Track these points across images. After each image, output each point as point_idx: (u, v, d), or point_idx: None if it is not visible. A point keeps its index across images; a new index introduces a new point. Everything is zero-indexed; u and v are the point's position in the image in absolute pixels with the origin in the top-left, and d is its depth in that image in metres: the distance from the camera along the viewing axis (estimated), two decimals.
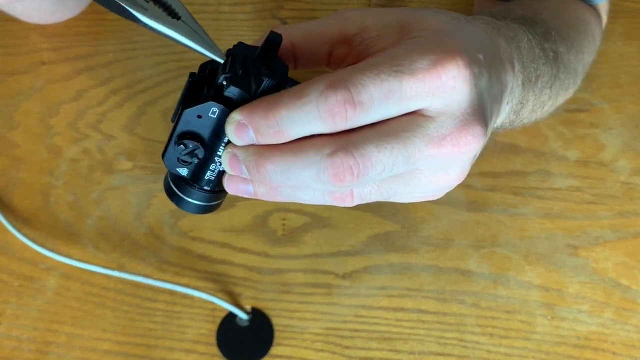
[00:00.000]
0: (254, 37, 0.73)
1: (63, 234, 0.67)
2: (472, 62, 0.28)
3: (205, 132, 0.33)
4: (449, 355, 0.64)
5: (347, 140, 0.28)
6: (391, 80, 0.27)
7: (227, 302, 0.64)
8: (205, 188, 0.36)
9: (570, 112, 0.70)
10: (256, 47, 0.33)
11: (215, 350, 0.64)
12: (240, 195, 0.34)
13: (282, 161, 0.29)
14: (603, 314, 0.65)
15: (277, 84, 0.31)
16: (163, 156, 0.36)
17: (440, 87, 0.28)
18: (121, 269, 0.65)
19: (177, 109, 0.35)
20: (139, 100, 0.71)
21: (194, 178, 0.36)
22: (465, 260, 0.66)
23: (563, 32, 0.50)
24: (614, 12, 0.73)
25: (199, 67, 0.35)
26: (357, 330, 0.65)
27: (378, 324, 0.65)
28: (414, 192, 0.31)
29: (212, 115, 0.32)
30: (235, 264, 0.66)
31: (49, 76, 0.72)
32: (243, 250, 0.67)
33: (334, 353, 0.64)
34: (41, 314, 0.65)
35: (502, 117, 0.38)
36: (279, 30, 0.33)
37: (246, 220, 0.67)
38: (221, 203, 0.39)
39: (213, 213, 0.67)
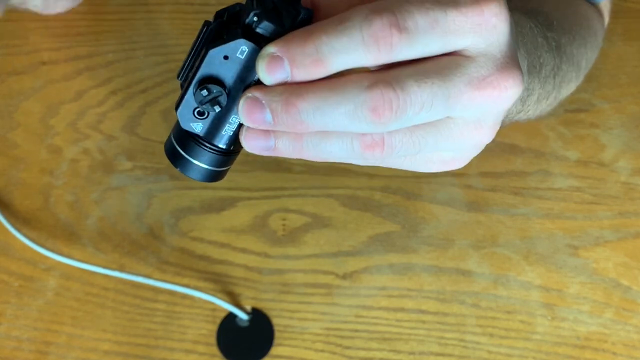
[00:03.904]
0: None
1: (63, 234, 0.67)
2: (507, 8, 0.28)
3: (229, 76, 0.29)
4: (449, 355, 0.64)
5: (387, 73, 0.27)
6: (436, 10, 0.26)
7: (227, 302, 0.64)
8: (220, 146, 0.32)
9: (570, 112, 0.70)
10: None
11: (215, 350, 0.64)
12: (258, 153, 0.31)
13: (316, 96, 0.27)
14: (603, 314, 0.65)
15: (308, 19, 0.28)
16: (177, 108, 0.32)
17: (483, 24, 0.27)
18: (121, 269, 0.65)
19: (186, 63, 0.32)
20: (139, 100, 0.71)
21: (208, 134, 0.32)
22: (466, 260, 0.66)
23: (565, 25, 0.50)
24: (614, 12, 0.73)
25: (214, 14, 0.32)
26: (357, 330, 0.65)
27: (378, 324, 0.65)
28: (444, 147, 0.30)
29: (240, 56, 0.29)
30: (235, 264, 0.66)
31: (49, 76, 0.72)
32: (243, 250, 0.67)
33: (334, 353, 0.64)
34: (41, 314, 0.65)
35: None
36: None
37: (246, 220, 0.67)
38: (228, 170, 0.35)
39: (213, 213, 0.68)
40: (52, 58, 0.73)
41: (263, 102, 0.28)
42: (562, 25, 0.50)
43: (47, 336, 0.65)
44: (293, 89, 0.27)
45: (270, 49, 0.27)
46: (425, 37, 0.26)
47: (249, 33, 0.28)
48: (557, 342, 0.64)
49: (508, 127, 0.71)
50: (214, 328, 0.65)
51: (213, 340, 0.64)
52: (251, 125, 0.29)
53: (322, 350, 0.64)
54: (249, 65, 0.29)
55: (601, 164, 0.69)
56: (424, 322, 0.65)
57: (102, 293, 0.66)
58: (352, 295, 0.65)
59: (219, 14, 0.31)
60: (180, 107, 0.32)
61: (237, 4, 0.30)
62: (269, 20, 0.28)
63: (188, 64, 0.32)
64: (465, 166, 0.70)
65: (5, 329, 0.65)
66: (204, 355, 0.64)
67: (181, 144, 0.34)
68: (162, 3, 0.75)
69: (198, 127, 0.32)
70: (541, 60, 0.41)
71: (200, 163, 0.33)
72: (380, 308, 0.65)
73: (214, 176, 0.34)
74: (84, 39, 0.73)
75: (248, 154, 0.64)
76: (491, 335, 0.64)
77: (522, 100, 0.41)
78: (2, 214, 0.66)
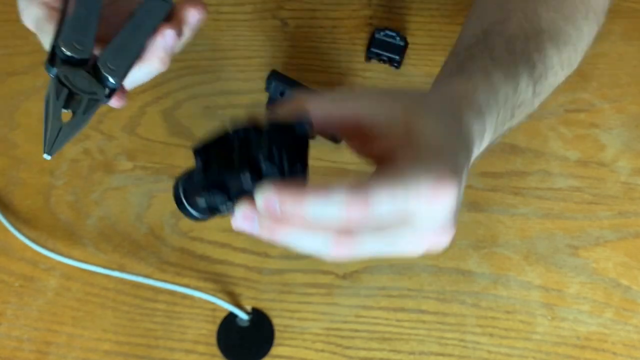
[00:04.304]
0: (254, 37, 0.73)
1: (63, 234, 0.67)
2: (460, 179, 0.35)
3: (233, 186, 0.37)
4: (449, 355, 0.64)
5: (349, 237, 0.34)
6: (400, 197, 0.33)
7: (228, 302, 0.64)
8: (214, 215, 0.41)
9: (570, 112, 0.70)
10: (285, 125, 0.36)
11: (215, 350, 0.64)
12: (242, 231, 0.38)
13: (294, 231, 0.35)
14: (603, 314, 0.65)
15: (304, 177, 0.37)
16: (184, 188, 0.40)
17: (434, 204, 0.34)
18: (121, 269, 0.65)
19: (204, 148, 0.39)
20: (139, 100, 0.71)
21: (209, 209, 0.40)
22: (466, 260, 0.66)
23: (556, 37, 0.54)
24: (613, 13, 0.73)
25: (230, 122, 0.38)
26: (357, 330, 0.65)
27: (378, 324, 0.65)
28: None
29: (245, 181, 0.36)
30: (236, 264, 0.66)
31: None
32: (243, 250, 0.67)
33: (334, 353, 0.64)
34: (41, 314, 0.65)
35: (475, 154, 0.45)
36: (301, 105, 0.37)
37: None
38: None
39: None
40: None
41: (255, 218, 0.36)
42: (552, 38, 0.54)
43: (47, 336, 0.65)
44: (277, 222, 0.35)
45: (270, 193, 0.34)
46: (385, 213, 0.33)
47: (255, 167, 0.36)
48: (557, 342, 0.64)
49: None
50: (214, 328, 0.65)
51: (213, 340, 0.64)
52: (239, 226, 0.37)
53: (322, 350, 0.64)
54: (250, 187, 0.36)
55: (601, 164, 0.69)
56: (424, 322, 0.65)
57: (103, 293, 0.66)
58: (352, 295, 0.65)
59: (236, 125, 0.38)
60: (188, 191, 0.40)
61: (251, 130, 0.37)
62: (272, 168, 0.35)
63: (203, 146, 0.39)
64: None
65: (6, 329, 0.65)
66: (204, 355, 0.64)
67: (186, 198, 0.41)
68: None
69: (201, 202, 0.40)
70: (512, 112, 0.47)
71: (199, 215, 0.41)
72: (380, 308, 0.65)
73: (206, 219, 0.42)
74: None
75: None
76: (491, 335, 0.64)
77: (491, 142, 0.47)
78: (3, 214, 0.67)
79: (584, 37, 0.60)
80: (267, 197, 0.34)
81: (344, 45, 0.73)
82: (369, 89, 0.40)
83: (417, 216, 0.34)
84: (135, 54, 0.46)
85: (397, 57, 0.70)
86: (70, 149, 0.70)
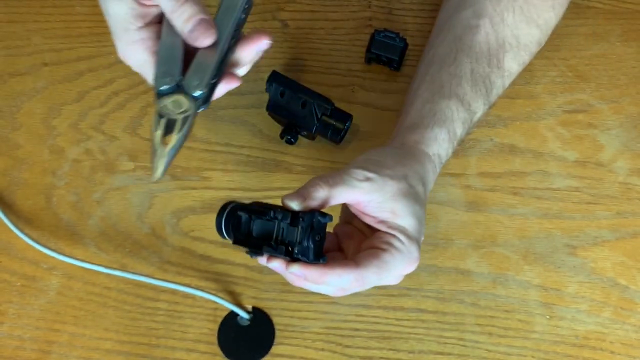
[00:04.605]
0: None
1: (65, 233, 0.68)
2: (419, 253, 0.53)
3: (267, 251, 0.51)
4: (448, 354, 0.64)
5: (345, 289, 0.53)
6: (383, 277, 0.52)
7: (228, 301, 0.64)
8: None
9: (568, 113, 0.71)
10: (313, 216, 0.50)
11: (216, 349, 0.64)
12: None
13: (310, 286, 0.52)
14: (601, 313, 0.65)
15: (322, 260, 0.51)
16: (226, 223, 0.53)
17: (400, 277, 0.54)
18: (123, 268, 0.66)
19: (248, 209, 0.52)
20: (141, 100, 0.72)
21: (240, 245, 0.53)
22: (464, 259, 0.67)
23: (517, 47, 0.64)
24: (612, 14, 0.74)
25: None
26: (357, 329, 0.65)
27: (378, 323, 0.65)
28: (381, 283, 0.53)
29: (280, 255, 0.50)
30: (236, 264, 0.67)
31: (51, 77, 0.73)
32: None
33: (334, 352, 0.64)
34: (43, 314, 0.66)
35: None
36: (325, 196, 0.51)
37: None
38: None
39: (214, 213, 0.67)
40: (54, 59, 0.73)
41: (283, 271, 0.51)
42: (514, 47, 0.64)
43: (49, 335, 0.65)
44: (300, 279, 0.51)
45: (298, 272, 0.50)
46: (371, 285, 0.52)
47: (289, 251, 0.50)
48: (555, 341, 0.65)
49: (506, 127, 0.71)
50: (215, 327, 0.65)
51: (214, 339, 0.65)
52: (269, 267, 0.52)
53: (323, 349, 0.64)
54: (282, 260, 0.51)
55: (599, 164, 0.69)
56: (423, 321, 0.65)
57: (104, 292, 0.66)
58: (352, 295, 0.65)
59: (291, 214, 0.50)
60: (229, 231, 0.53)
61: (288, 215, 0.50)
62: (304, 256, 0.49)
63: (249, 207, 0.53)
64: (464, 166, 0.71)
65: (8, 328, 0.65)
66: (205, 354, 0.64)
67: (226, 232, 0.54)
68: None
69: (227, 238, 0.54)
70: (470, 129, 0.62)
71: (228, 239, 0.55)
72: (380, 307, 0.65)
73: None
74: (85, 40, 0.74)
75: (248, 154, 0.65)
76: (490, 334, 0.65)
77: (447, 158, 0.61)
78: (5, 214, 0.67)
79: (550, 27, 0.66)
80: (299, 271, 0.50)
81: (343, 47, 0.73)
82: (367, 173, 0.52)
83: (386, 278, 0.53)
84: (215, 65, 0.50)
85: (396, 59, 0.70)
86: (72, 150, 0.70)
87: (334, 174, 0.52)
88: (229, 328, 0.65)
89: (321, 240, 0.50)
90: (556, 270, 0.66)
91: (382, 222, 0.52)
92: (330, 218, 0.51)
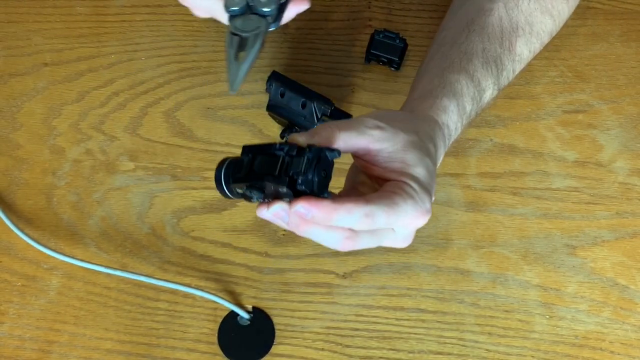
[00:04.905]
0: None
1: (65, 233, 0.68)
2: (430, 212, 0.49)
3: (269, 189, 0.47)
4: (448, 354, 0.64)
5: (355, 233, 0.48)
6: (392, 220, 0.47)
7: (228, 301, 0.65)
8: (242, 199, 0.50)
9: (568, 113, 0.71)
10: (320, 149, 0.46)
11: (216, 349, 0.64)
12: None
13: (315, 230, 0.46)
14: (601, 313, 0.65)
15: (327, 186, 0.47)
16: (226, 173, 0.49)
17: (410, 227, 0.49)
18: (123, 268, 0.66)
19: (252, 149, 0.48)
20: (141, 101, 0.72)
21: (242, 196, 0.49)
22: (464, 259, 0.67)
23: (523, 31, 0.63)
24: (611, 14, 0.74)
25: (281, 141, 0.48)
26: (357, 329, 0.65)
27: (378, 322, 0.65)
28: (393, 240, 0.50)
29: (281, 190, 0.46)
30: (237, 264, 0.67)
31: (52, 77, 0.73)
32: (244, 250, 0.67)
33: (334, 352, 0.64)
34: (44, 313, 0.66)
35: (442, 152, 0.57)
36: (332, 135, 0.48)
37: (247, 220, 0.68)
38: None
39: (214, 213, 0.68)
40: (54, 59, 0.73)
41: (285, 216, 0.46)
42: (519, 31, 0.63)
43: (49, 335, 0.65)
44: (305, 222, 0.46)
45: (302, 209, 0.45)
46: (381, 225, 0.47)
47: (292, 184, 0.45)
48: (555, 340, 0.65)
49: (505, 127, 0.71)
50: (215, 327, 0.65)
51: (214, 339, 0.65)
52: (265, 217, 0.47)
53: (323, 349, 0.65)
54: (284, 195, 0.46)
55: (599, 164, 0.69)
56: (423, 321, 0.65)
57: (105, 292, 0.66)
58: (352, 295, 0.66)
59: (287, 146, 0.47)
60: (230, 183, 0.49)
61: (295, 148, 0.46)
62: (307, 187, 0.45)
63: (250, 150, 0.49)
64: (464, 166, 0.72)
65: (8, 328, 0.65)
66: (205, 354, 0.64)
67: (226, 184, 0.50)
68: (163, 5, 0.75)
69: (229, 194, 0.50)
70: (480, 102, 0.60)
71: (229, 195, 0.50)
72: (379, 307, 0.66)
73: (233, 199, 0.51)
74: (86, 41, 0.74)
75: None
76: (490, 334, 0.65)
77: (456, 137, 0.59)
78: (5, 214, 0.67)
79: (563, 19, 0.66)
80: (305, 207, 0.45)
81: (343, 47, 0.73)
82: (377, 122, 0.50)
83: (398, 230, 0.49)
84: None
85: (396, 59, 0.70)
86: (72, 150, 0.70)
87: (345, 121, 0.50)
88: (229, 328, 0.65)
89: (327, 178, 0.47)
90: (556, 270, 0.66)
91: (393, 171, 0.50)
92: (339, 153, 0.47)
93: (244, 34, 0.52)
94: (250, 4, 0.52)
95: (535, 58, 0.66)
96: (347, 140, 0.49)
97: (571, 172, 0.69)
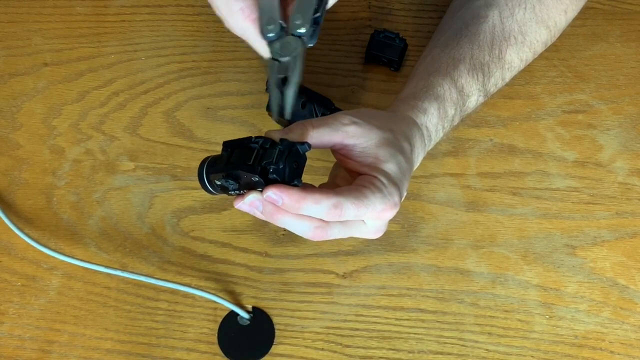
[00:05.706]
0: None
1: (65, 233, 0.68)
2: (398, 206, 0.52)
3: (244, 179, 0.50)
4: (448, 354, 0.64)
5: (327, 226, 0.51)
6: (361, 212, 0.49)
7: (228, 301, 0.65)
8: (223, 193, 0.53)
9: (568, 113, 0.71)
10: (292, 144, 0.49)
11: (216, 348, 0.65)
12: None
13: (288, 218, 0.49)
14: (601, 313, 0.65)
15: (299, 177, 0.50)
16: (207, 168, 0.53)
17: (379, 220, 0.52)
18: (123, 268, 0.66)
19: (231, 143, 0.52)
20: (141, 101, 0.72)
21: (221, 188, 0.53)
22: (464, 259, 0.67)
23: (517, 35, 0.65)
24: (611, 14, 0.74)
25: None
26: (357, 329, 0.65)
27: (378, 322, 0.65)
28: (363, 232, 0.53)
29: (254, 179, 0.49)
30: (236, 264, 0.67)
31: (51, 77, 0.73)
32: (244, 250, 0.67)
33: (334, 352, 0.64)
34: (43, 313, 0.66)
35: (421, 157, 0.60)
36: (305, 131, 0.51)
37: (247, 220, 0.68)
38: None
39: (214, 213, 0.68)
40: (54, 59, 0.73)
41: (260, 205, 0.50)
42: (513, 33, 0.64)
43: (49, 335, 0.65)
44: (277, 210, 0.49)
45: (274, 195, 0.48)
46: (350, 217, 0.50)
47: (264, 173, 0.48)
48: (555, 340, 0.65)
49: (505, 127, 0.71)
50: (215, 327, 0.65)
51: (214, 339, 0.65)
52: (241, 208, 0.51)
53: (322, 349, 0.65)
54: (257, 185, 0.49)
55: (598, 164, 0.69)
56: (423, 320, 0.65)
57: (104, 292, 0.66)
58: (352, 295, 0.66)
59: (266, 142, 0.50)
60: (209, 174, 0.53)
61: (269, 141, 0.50)
62: (277, 176, 0.48)
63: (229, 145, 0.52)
64: (463, 166, 0.72)
65: (8, 328, 0.65)
66: (205, 354, 0.64)
67: (208, 179, 0.54)
68: (163, 5, 0.75)
69: (210, 188, 0.54)
70: (465, 107, 0.63)
71: (211, 189, 0.55)
72: (379, 307, 0.66)
73: (216, 194, 0.55)
74: (86, 41, 0.74)
75: None
76: (489, 334, 0.65)
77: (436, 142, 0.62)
78: (5, 213, 0.67)
79: (559, 29, 0.67)
80: (276, 194, 0.48)
81: (343, 47, 0.73)
82: (353, 118, 0.53)
83: (367, 222, 0.52)
84: (315, 1, 0.53)
85: (396, 59, 0.70)
86: (72, 150, 0.70)
87: (321, 118, 0.53)
88: (229, 328, 0.65)
89: (298, 169, 0.50)
90: (555, 270, 0.66)
91: (366, 165, 0.52)
92: (309, 146, 0.50)
93: (283, 59, 0.52)
94: (284, 26, 0.52)
95: (535, 58, 0.66)
96: (320, 137, 0.52)
97: (571, 172, 0.69)
